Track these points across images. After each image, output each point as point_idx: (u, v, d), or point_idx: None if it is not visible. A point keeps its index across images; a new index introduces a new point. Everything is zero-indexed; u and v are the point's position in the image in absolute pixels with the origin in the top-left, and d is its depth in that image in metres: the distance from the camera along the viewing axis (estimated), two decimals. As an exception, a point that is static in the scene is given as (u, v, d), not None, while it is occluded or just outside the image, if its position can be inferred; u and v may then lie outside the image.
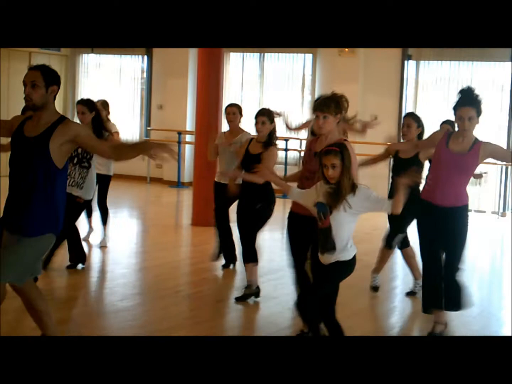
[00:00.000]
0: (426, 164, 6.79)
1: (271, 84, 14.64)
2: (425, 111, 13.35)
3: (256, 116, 6.52)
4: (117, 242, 8.94)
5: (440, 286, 5.69)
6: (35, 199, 4.38)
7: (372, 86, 13.70)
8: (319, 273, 4.69)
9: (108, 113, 9.07)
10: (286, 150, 13.84)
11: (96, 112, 7.30)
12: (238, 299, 6.57)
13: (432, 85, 13.45)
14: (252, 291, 6.61)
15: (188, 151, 14.89)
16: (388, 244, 6.98)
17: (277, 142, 6.64)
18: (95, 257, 8.30)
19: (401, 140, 7.22)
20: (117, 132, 9.00)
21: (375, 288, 7.12)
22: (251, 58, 14.80)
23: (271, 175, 5.10)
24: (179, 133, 14.70)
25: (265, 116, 6.47)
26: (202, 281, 7.37)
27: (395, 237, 6.88)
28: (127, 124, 15.84)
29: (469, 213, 5.68)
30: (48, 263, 7.07)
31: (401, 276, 8.11)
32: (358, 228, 7.29)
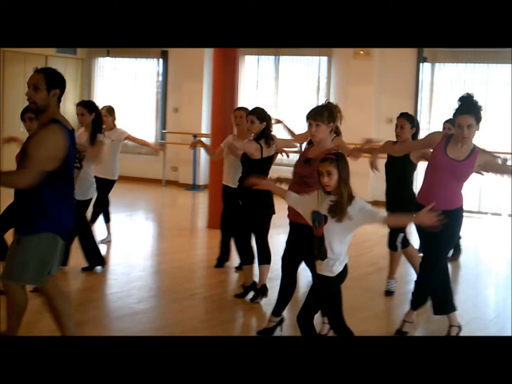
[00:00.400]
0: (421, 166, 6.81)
1: (286, 87, 14.65)
2: (440, 113, 13.34)
3: (246, 116, 6.64)
4: (133, 245, 8.98)
5: (448, 288, 5.77)
6: (28, 198, 4.51)
7: (387, 88, 13.68)
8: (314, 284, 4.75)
9: (114, 119, 9.07)
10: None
11: (96, 114, 7.33)
12: (237, 296, 6.78)
13: (447, 87, 13.41)
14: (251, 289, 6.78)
15: (203, 154, 14.91)
16: (393, 246, 7.03)
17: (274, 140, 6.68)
18: (111, 259, 8.35)
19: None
20: (129, 135, 9.04)
21: (388, 293, 7.12)
22: (266, 61, 14.81)
23: (265, 184, 5.14)
24: (195, 136, 14.71)
25: (254, 115, 6.52)
26: (218, 283, 7.39)
27: (397, 237, 6.92)
28: (142, 127, 15.91)
29: (464, 214, 5.67)
30: (64, 263, 7.08)
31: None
32: (373, 231, 7.32)
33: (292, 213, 5.27)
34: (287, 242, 5.57)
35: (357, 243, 7.71)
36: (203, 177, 14.91)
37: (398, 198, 6.81)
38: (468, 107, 5.44)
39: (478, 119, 5.42)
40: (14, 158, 6.61)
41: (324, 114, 5.17)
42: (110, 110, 9.01)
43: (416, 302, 5.83)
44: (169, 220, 11.63)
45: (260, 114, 6.53)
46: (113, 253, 8.64)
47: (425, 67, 13.53)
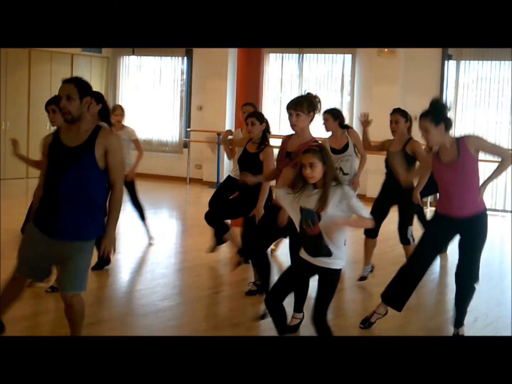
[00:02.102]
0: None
1: (310, 85, 14.62)
2: (465, 111, 13.26)
3: (246, 118, 6.74)
4: (157, 242, 9.03)
5: (412, 288, 5.74)
6: (87, 204, 4.54)
7: (412, 86, 13.61)
8: (303, 272, 4.68)
9: (122, 118, 9.04)
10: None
11: (102, 105, 7.29)
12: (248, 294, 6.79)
13: (472, 85, 13.33)
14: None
15: (227, 152, 14.96)
16: (405, 241, 7.18)
17: (271, 140, 6.79)
18: (135, 257, 8.40)
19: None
20: (136, 140, 8.97)
21: (362, 278, 7.42)
22: (290, 59, 14.80)
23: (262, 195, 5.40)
24: (219, 134, 14.75)
25: (254, 117, 6.65)
26: (242, 281, 7.40)
27: (407, 231, 7.03)
28: (167, 125, 15.98)
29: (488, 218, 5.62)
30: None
31: (435, 274, 8.08)
32: (395, 229, 7.30)
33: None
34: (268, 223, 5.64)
35: (380, 241, 7.70)
36: (226, 175, 14.92)
37: (398, 194, 6.87)
38: (425, 111, 5.42)
39: (436, 121, 5.32)
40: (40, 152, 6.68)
41: (303, 104, 5.27)
42: (122, 109, 9.00)
43: (462, 311, 5.73)
44: (193, 218, 11.66)
45: (259, 116, 6.71)
46: (137, 250, 8.69)
47: (450, 64, 13.45)
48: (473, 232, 5.49)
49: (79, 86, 4.53)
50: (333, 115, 7.60)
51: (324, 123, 7.61)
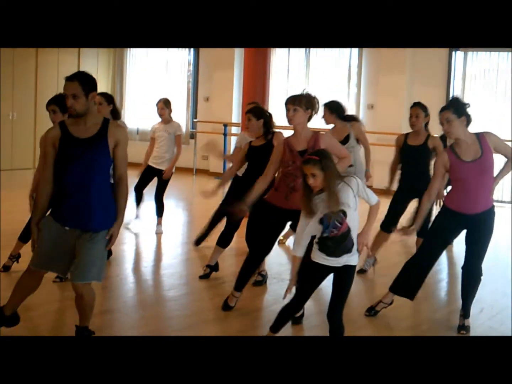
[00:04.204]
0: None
1: (317, 76, 14.61)
2: (472, 102, 13.20)
3: (246, 113, 6.80)
4: (164, 233, 9.05)
5: (423, 278, 5.77)
6: (102, 194, 4.60)
7: (419, 77, 13.58)
8: (320, 277, 4.68)
9: (171, 111, 9.16)
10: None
11: (113, 106, 7.32)
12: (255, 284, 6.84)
13: (480, 76, 13.28)
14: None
15: (234, 143, 14.96)
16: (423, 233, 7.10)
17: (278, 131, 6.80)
18: (142, 247, 8.42)
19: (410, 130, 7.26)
20: (180, 136, 9.14)
21: (363, 271, 7.38)
22: (297, 50, 14.76)
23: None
24: (225, 125, 14.77)
25: (250, 113, 6.70)
26: (248, 272, 7.42)
27: (429, 223, 6.93)
28: (174, 116, 15.94)
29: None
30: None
31: (446, 268, 8.08)
32: (402, 221, 7.27)
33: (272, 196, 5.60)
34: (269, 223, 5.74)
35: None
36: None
37: (417, 188, 6.84)
38: (446, 105, 5.48)
39: (458, 112, 5.36)
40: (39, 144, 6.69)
41: (302, 100, 5.36)
42: (166, 103, 9.09)
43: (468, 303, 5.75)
44: (199, 209, 11.68)
45: (256, 112, 6.71)
46: (144, 241, 8.71)
47: (458, 55, 13.42)
48: (482, 227, 5.53)
49: (83, 83, 4.54)
50: (330, 108, 7.63)
51: (323, 116, 7.63)
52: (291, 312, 4.94)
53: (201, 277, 6.97)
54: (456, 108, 5.39)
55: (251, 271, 6.05)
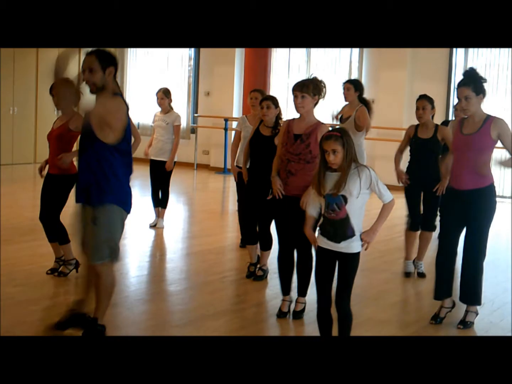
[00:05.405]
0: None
1: (318, 71, 14.59)
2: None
3: (261, 101, 6.72)
4: (165, 228, 9.06)
5: (452, 274, 5.71)
6: (96, 170, 4.61)
7: (420, 72, 13.58)
8: (328, 261, 4.59)
9: (171, 101, 9.09)
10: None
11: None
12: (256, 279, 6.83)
13: (481, 71, 13.21)
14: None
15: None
16: (431, 227, 7.13)
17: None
18: (143, 242, 8.43)
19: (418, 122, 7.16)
20: (178, 126, 9.10)
21: (407, 274, 7.19)
22: (298, 44, 14.75)
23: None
24: (226, 120, 14.78)
25: (269, 100, 6.67)
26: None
27: (436, 217, 6.93)
28: (174, 111, 15.94)
29: (496, 196, 5.58)
30: None
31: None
32: (403, 216, 7.29)
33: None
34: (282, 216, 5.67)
35: (388, 227, 7.71)
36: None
37: (424, 180, 6.89)
38: (465, 80, 5.42)
39: (477, 90, 5.36)
40: (46, 138, 6.70)
41: (309, 86, 5.35)
42: (166, 92, 9.03)
43: (465, 295, 5.71)
44: (200, 203, 11.71)
45: (274, 100, 6.72)
46: (145, 235, 8.72)
47: (459, 51, 13.40)
48: (473, 206, 5.46)
49: (101, 57, 4.62)
50: (355, 86, 7.81)
51: (344, 93, 7.77)
52: (323, 305, 4.70)
53: (252, 278, 6.89)
54: (475, 85, 5.37)
55: (288, 268, 5.86)
